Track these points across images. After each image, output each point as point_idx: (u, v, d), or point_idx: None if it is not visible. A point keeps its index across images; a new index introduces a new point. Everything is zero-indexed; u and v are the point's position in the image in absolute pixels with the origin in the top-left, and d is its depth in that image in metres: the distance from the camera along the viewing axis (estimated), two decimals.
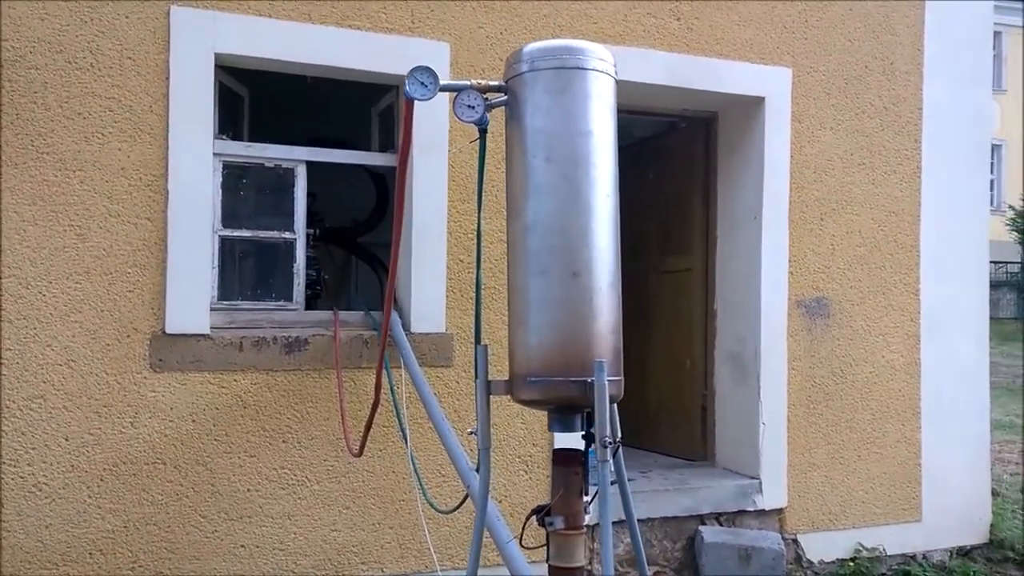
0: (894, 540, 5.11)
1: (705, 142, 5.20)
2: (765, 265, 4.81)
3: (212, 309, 3.98)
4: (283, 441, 4.02)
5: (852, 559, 4.97)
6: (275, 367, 4.00)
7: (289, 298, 4.27)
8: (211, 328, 3.93)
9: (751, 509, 4.80)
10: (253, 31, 3.93)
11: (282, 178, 4.27)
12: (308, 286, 4.41)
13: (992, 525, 5.38)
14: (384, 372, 3.25)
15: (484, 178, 2.31)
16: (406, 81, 2.08)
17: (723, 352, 5.11)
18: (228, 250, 4.19)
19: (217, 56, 3.92)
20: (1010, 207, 25.91)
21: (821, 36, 4.95)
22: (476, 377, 2.43)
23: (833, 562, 4.97)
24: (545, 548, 2.11)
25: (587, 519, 2.14)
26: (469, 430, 2.23)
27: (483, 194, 2.45)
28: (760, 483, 4.81)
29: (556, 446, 2.19)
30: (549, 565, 2.09)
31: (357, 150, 4.69)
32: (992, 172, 27.65)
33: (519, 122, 2.10)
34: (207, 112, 3.91)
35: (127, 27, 3.78)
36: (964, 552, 5.27)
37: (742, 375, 4.93)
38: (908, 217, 5.16)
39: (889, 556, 5.07)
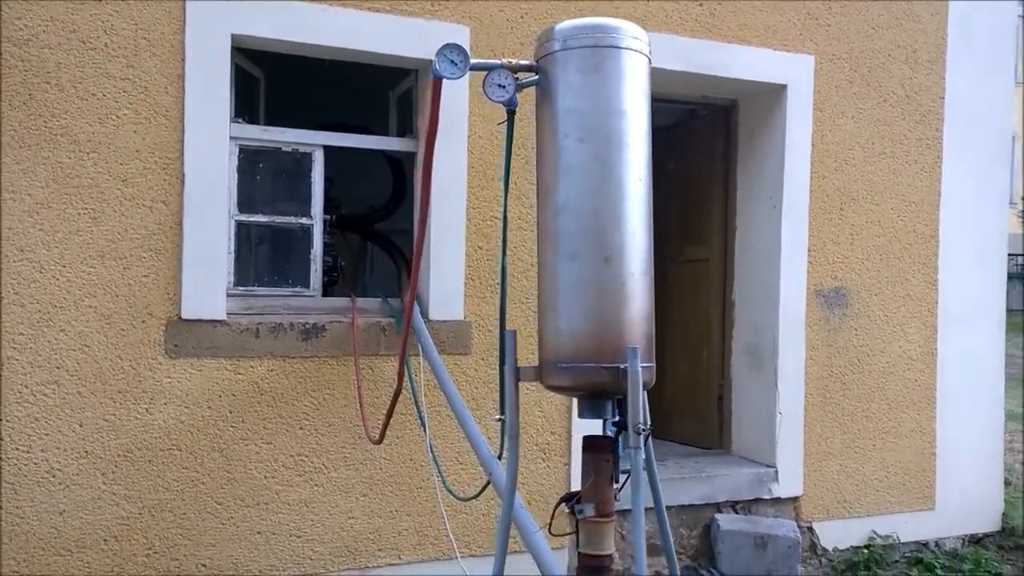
0: (908, 528, 5.10)
1: (725, 130, 5.14)
2: (784, 255, 4.77)
3: (228, 295, 3.95)
4: (300, 428, 4.00)
5: (866, 546, 4.96)
6: (292, 354, 3.98)
7: (306, 284, 4.23)
8: (227, 314, 3.90)
9: (767, 497, 4.78)
10: (272, 13, 3.89)
11: (299, 163, 4.23)
12: (324, 273, 4.38)
13: (1004, 514, 5.38)
14: (404, 360, 3.20)
15: (510, 164, 2.26)
16: (435, 59, 2.03)
17: (740, 342, 5.07)
18: (244, 235, 4.16)
19: (234, 38, 3.88)
20: (1023, 199, 25.76)
21: (844, 23, 4.88)
22: (503, 363, 2.40)
23: (847, 549, 4.96)
24: (572, 535, 2.08)
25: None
26: (496, 416, 2.20)
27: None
28: (776, 471, 4.78)
29: (577, 433, 2.15)
30: (579, 552, 2.05)
31: (374, 135, 4.64)
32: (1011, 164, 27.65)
33: (550, 102, 2.06)
34: (224, 94, 3.87)
35: (142, 7, 3.74)
36: (976, 540, 5.27)
37: (759, 365, 4.89)
38: (928, 207, 5.10)
39: (903, 544, 5.08)
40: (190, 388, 3.82)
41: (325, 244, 4.34)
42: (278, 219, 4.21)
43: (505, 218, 2.33)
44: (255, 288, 4.14)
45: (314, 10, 3.95)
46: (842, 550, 4.94)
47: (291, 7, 3.92)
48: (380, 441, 3.59)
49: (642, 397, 1.91)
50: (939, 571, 4.87)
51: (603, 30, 2.03)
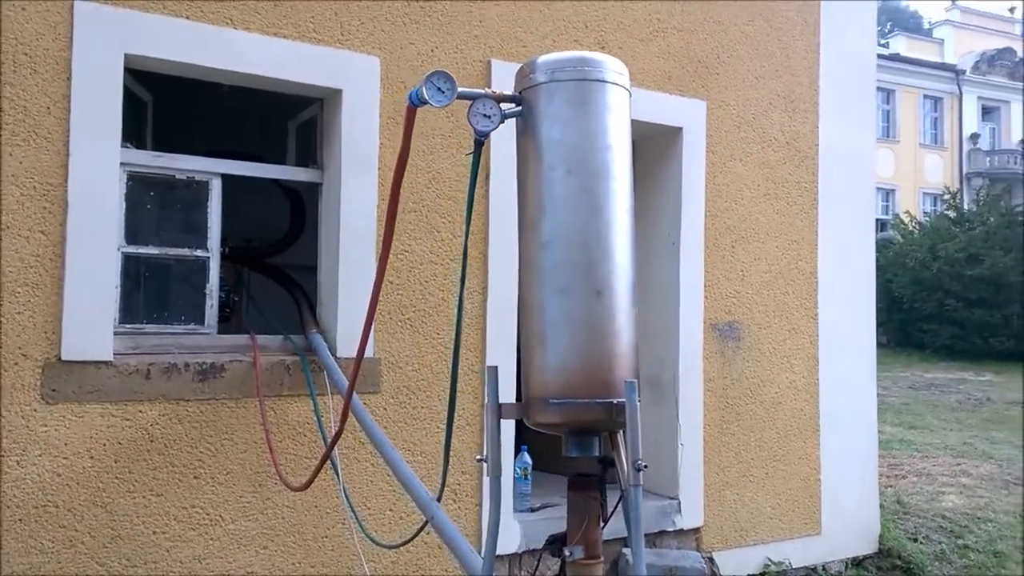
0: (797, 553, 5.31)
1: None
2: (683, 290, 4.92)
3: (115, 333, 3.63)
4: (194, 477, 3.71)
5: (762, 574, 5.14)
6: (187, 396, 3.70)
7: (200, 321, 3.96)
8: (114, 354, 3.58)
9: (671, 529, 4.86)
10: (170, 33, 3.67)
11: (194, 192, 3.98)
12: (218, 308, 4.11)
13: (880, 535, 5.70)
14: (350, 400, 3.01)
15: (474, 195, 2.19)
16: (423, 86, 1.95)
17: (641, 375, 5.12)
18: (131, 269, 3.85)
19: (127, 58, 3.62)
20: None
21: (731, 72, 5.16)
22: (454, 402, 2.32)
23: None
24: None
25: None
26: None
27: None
28: (679, 503, 4.88)
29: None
30: None
31: (272, 164, 4.43)
32: (887, 213, 30.45)
33: (535, 134, 2.02)
34: (114, 118, 3.59)
35: (23, 19, 3.43)
36: (857, 562, 5.56)
37: (660, 397, 5.00)
38: (807, 246, 5.43)
39: (794, 569, 5.27)
40: (69, 437, 3.47)
41: (219, 278, 4.09)
42: (171, 251, 3.93)
43: (465, 252, 2.24)
44: (144, 325, 3.84)
45: (217, 33, 3.76)
46: None
47: (192, 28, 3.71)
48: (306, 488, 3.37)
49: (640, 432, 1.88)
50: None
51: (590, 64, 2.03)
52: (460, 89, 1.98)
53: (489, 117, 1.97)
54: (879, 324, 5.89)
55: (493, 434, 2.01)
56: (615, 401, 1.90)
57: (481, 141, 2.10)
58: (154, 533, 3.62)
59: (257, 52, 3.83)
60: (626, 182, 2.04)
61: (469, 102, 1.99)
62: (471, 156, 2.13)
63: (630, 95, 2.13)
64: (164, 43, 3.66)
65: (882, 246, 22.63)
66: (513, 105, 2.06)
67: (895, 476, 7.94)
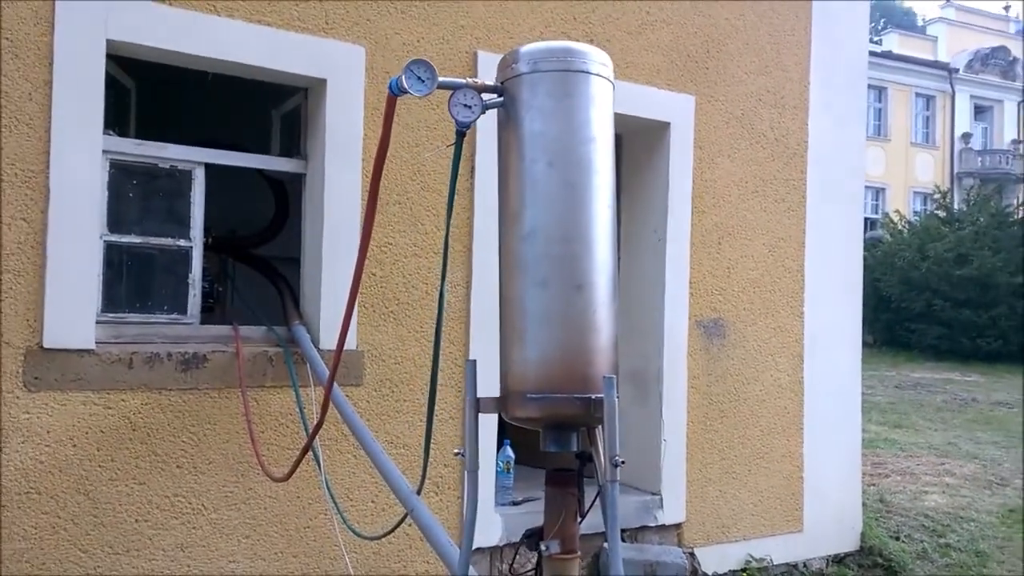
0: (779, 550, 5.33)
1: None
2: (669, 286, 4.91)
3: (97, 322, 3.61)
4: (177, 466, 3.70)
5: (743, 570, 5.15)
6: (169, 386, 3.69)
7: (183, 311, 3.94)
8: (96, 342, 3.56)
9: (652, 525, 4.86)
10: (153, 19, 3.63)
11: (178, 181, 3.95)
12: (201, 298, 4.09)
13: (862, 533, 5.72)
14: (331, 391, 2.99)
15: (455, 187, 2.18)
16: (402, 75, 1.93)
17: (624, 370, 5.15)
18: (114, 257, 3.82)
19: (110, 44, 3.58)
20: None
21: (721, 67, 5.14)
22: (434, 395, 2.31)
23: (726, 574, 5.11)
24: (535, 573, 2.01)
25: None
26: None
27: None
28: (661, 499, 4.89)
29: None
30: None
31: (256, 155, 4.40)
32: (876, 212, 30.38)
33: (517, 125, 2.00)
34: (96, 104, 3.56)
35: (4, 4, 3.40)
36: (839, 559, 5.58)
37: (644, 393, 4.99)
38: (794, 244, 5.43)
39: (775, 566, 5.29)
40: (52, 424, 3.45)
41: (203, 268, 4.07)
42: (153, 240, 3.90)
43: (446, 244, 2.23)
44: (127, 314, 3.82)
45: (201, 19, 3.73)
46: (721, 574, 5.09)
47: (176, 14, 3.68)
48: (287, 478, 3.36)
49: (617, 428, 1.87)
50: None
51: (574, 54, 2.01)
52: (440, 78, 1.96)
53: (470, 107, 1.96)
54: (866, 323, 5.89)
55: (471, 428, 2.00)
56: (593, 397, 1.89)
57: (462, 132, 2.08)
58: (136, 521, 3.61)
59: (241, 40, 3.80)
60: (608, 175, 2.03)
61: (451, 92, 1.97)
62: (452, 148, 2.11)
63: (614, 87, 2.11)
64: (147, 29, 3.62)
65: (871, 245, 22.73)
66: (495, 96, 2.04)
67: (879, 475, 7.97)
